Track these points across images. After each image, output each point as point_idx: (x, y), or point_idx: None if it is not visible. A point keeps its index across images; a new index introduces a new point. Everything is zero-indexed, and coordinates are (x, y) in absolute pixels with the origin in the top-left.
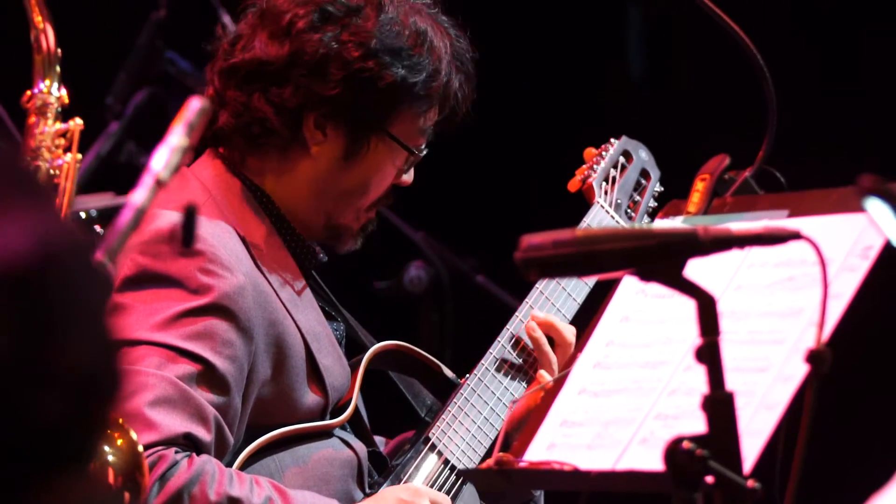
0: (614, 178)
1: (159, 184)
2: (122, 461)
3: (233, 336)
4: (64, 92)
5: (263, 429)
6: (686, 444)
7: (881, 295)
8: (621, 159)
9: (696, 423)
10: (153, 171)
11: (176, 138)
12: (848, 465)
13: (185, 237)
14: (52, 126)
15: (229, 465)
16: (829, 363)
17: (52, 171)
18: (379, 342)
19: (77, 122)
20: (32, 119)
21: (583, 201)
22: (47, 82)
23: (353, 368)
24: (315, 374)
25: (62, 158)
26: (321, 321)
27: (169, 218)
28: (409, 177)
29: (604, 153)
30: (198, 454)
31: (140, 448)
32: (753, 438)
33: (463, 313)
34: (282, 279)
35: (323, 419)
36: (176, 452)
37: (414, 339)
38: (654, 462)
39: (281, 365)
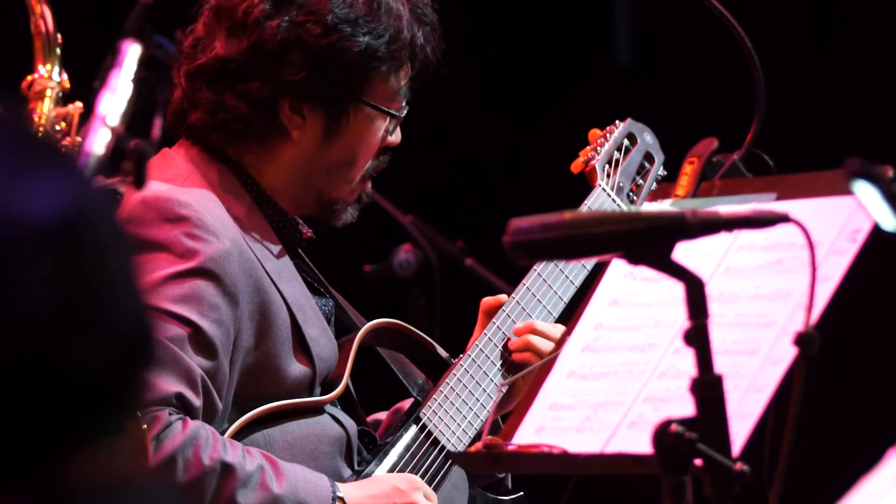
0: (617, 161)
1: (109, 128)
2: None
3: (219, 300)
4: (65, 77)
5: (251, 400)
6: (675, 427)
7: (869, 277)
8: (625, 142)
9: (685, 406)
10: (101, 115)
11: (117, 82)
12: (837, 449)
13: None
14: (51, 110)
15: None
16: (817, 346)
17: None
18: (370, 321)
19: (77, 106)
20: (32, 104)
21: (584, 184)
22: (48, 66)
23: (346, 344)
24: (301, 344)
25: (62, 142)
26: (306, 294)
27: (154, 188)
28: (395, 137)
29: (608, 135)
30: (189, 417)
31: (144, 426)
32: (742, 421)
33: (452, 297)
34: (265, 251)
35: (312, 391)
36: (170, 414)
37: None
38: (642, 445)
39: (265, 333)
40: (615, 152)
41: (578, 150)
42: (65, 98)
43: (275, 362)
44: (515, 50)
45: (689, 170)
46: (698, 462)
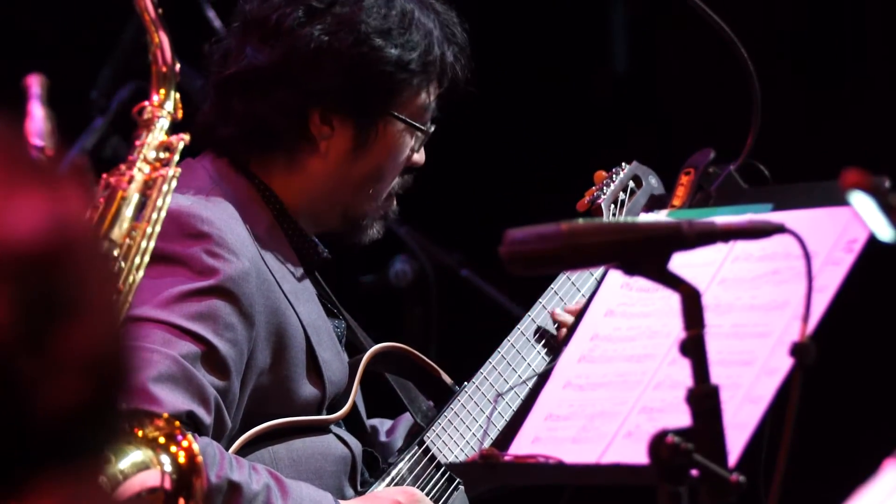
0: (623, 202)
1: (44, 151)
2: (179, 466)
3: (234, 320)
4: (177, 108)
5: (260, 417)
6: (671, 438)
7: (865, 288)
8: (631, 184)
9: (681, 417)
10: (36, 144)
11: (37, 110)
12: (833, 459)
13: None
14: (154, 139)
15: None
16: (813, 356)
17: (147, 182)
18: (378, 343)
19: (180, 137)
20: (139, 131)
21: (580, 193)
22: (161, 95)
23: (353, 367)
24: (314, 366)
25: (160, 171)
26: (321, 315)
27: (177, 200)
28: (420, 157)
29: (614, 176)
30: (199, 434)
31: (200, 457)
32: (738, 432)
33: (448, 307)
34: (284, 271)
35: (319, 413)
36: None
37: (399, 333)
38: (639, 456)
39: (280, 354)
40: (620, 193)
41: (574, 159)
42: (174, 128)
43: (287, 384)
44: (512, 59)
45: (685, 180)
46: (694, 473)
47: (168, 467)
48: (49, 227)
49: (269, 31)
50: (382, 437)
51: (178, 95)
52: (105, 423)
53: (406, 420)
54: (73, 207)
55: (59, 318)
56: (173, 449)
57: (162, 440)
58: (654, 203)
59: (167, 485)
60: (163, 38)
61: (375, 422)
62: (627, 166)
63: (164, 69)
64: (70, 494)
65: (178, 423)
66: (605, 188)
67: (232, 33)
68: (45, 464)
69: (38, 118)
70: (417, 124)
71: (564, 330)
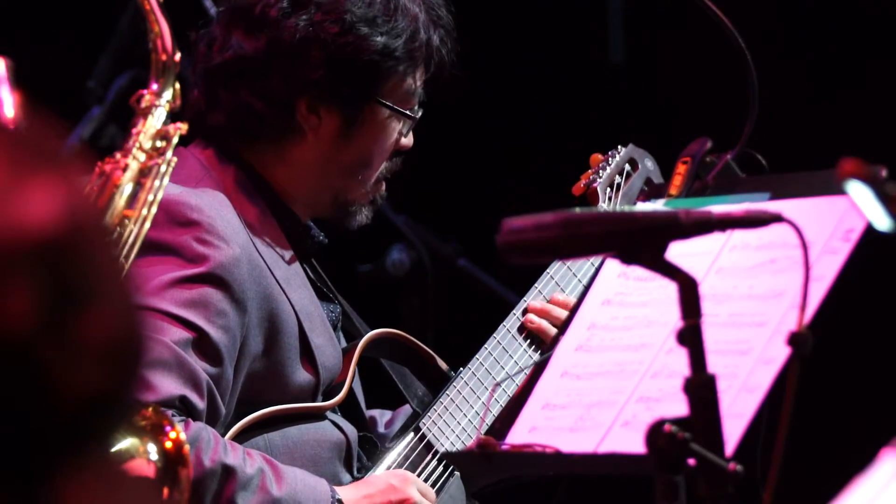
0: (619, 185)
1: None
2: (165, 455)
3: (226, 306)
4: (176, 98)
5: (255, 405)
6: (668, 427)
7: (862, 277)
8: (627, 167)
9: (678, 406)
10: (4, 116)
11: (5, 94)
12: (830, 449)
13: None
14: (151, 127)
15: None
16: (810, 345)
17: (142, 171)
18: (374, 329)
19: (177, 126)
20: (135, 119)
21: (576, 181)
22: (160, 84)
23: (348, 353)
24: (307, 352)
25: (156, 160)
26: (314, 301)
27: (166, 189)
28: (408, 140)
29: (610, 159)
30: (192, 419)
31: (188, 446)
32: (735, 421)
33: (445, 297)
34: (275, 257)
35: (315, 399)
36: (172, 416)
37: (396, 323)
38: (636, 445)
39: (273, 340)
40: (616, 176)
41: (570, 150)
42: (173, 117)
43: (281, 369)
44: (508, 48)
45: (682, 169)
46: (692, 462)
47: (153, 456)
48: (63, 213)
49: (253, 21)
50: (381, 429)
51: (177, 85)
52: (121, 408)
53: (405, 412)
54: (83, 193)
55: (78, 305)
56: (160, 438)
57: (149, 429)
58: (651, 192)
59: (151, 473)
60: (163, 28)
61: (375, 413)
62: (623, 149)
63: (163, 58)
64: (93, 477)
65: (166, 413)
66: (601, 171)
67: (217, 20)
68: (68, 450)
69: (6, 94)
70: (404, 110)
71: (545, 322)
